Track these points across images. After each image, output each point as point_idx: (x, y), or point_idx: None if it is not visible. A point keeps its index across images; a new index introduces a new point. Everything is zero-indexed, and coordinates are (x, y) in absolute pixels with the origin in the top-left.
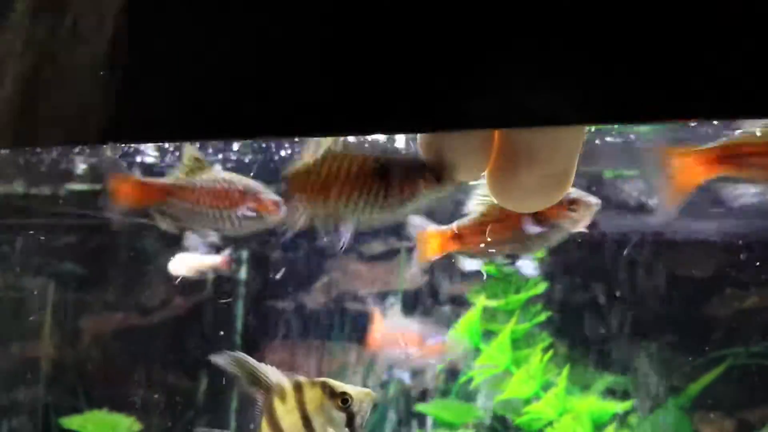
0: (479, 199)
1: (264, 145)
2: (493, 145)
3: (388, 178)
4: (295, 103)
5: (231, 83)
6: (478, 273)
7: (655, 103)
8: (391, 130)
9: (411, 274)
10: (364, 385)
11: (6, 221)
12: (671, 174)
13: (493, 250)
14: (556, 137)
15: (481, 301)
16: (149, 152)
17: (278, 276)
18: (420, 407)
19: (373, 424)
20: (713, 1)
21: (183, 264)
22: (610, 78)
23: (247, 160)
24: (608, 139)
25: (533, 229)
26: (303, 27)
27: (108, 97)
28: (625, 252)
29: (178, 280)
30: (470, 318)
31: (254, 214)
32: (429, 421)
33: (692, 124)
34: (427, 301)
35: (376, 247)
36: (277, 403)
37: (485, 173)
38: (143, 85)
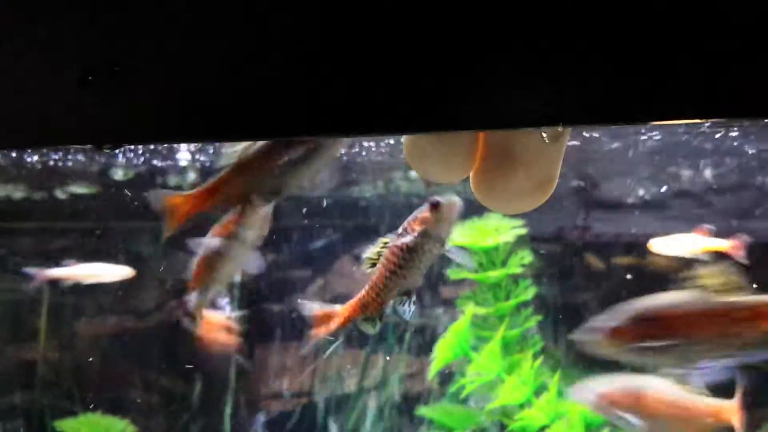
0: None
1: None
2: (478, 147)
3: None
4: (288, 106)
5: (226, 86)
6: (467, 279)
7: (636, 106)
8: (379, 131)
9: None
10: (360, 388)
11: (2, 224)
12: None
13: None
14: (540, 140)
15: (470, 310)
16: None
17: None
18: (422, 411)
19: (370, 425)
20: (695, 12)
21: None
22: (593, 82)
23: None
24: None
25: None
26: (299, 35)
27: (111, 99)
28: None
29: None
30: (459, 326)
31: None
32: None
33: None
34: (419, 306)
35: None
36: None
37: (470, 175)
38: (147, 87)
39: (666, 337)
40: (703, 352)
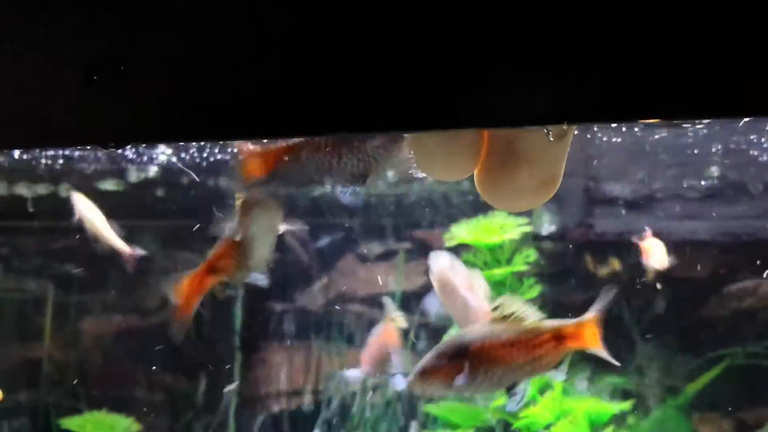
0: None
1: None
2: (482, 144)
3: None
4: (288, 104)
5: (228, 86)
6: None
7: (640, 103)
8: (382, 129)
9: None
10: (364, 387)
11: (6, 223)
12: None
13: None
14: (545, 138)
15: None
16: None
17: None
18: (428, 408)
19: (374, 421)
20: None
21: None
22: (597, 78)
23: None
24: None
25: None
26: (297, 30)
27: (115, 98)
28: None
29: None
30: None
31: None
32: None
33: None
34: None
35: (375, 248)
36: None
37: (474, 173)
38: (147, 86)
39: (473, 370)
40: (514, 377)
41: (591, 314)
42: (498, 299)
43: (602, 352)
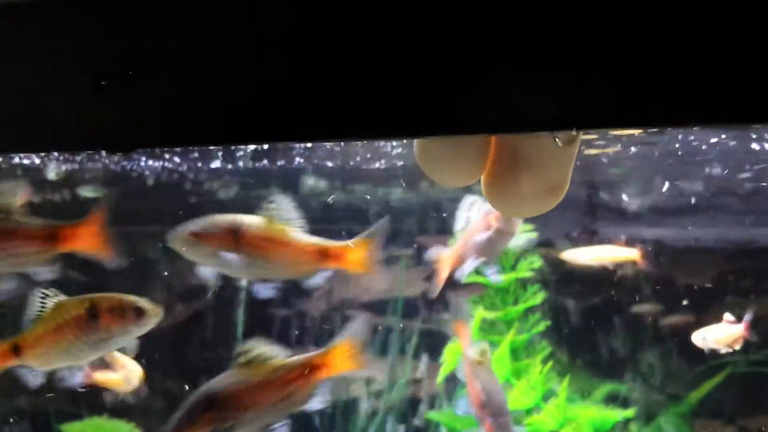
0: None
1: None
2: (489, 150)
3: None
4: (291, 109)
5: (235, 89)
6: (477, 284)
7: (651, 109)
8: (388, 135)
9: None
10: (367, 392)
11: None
12: None
13: None
14: (552, 143)
15: (479, 314)
16: None
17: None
18: (430, 415)
19: (376, 429)
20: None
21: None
22: (607, 84)
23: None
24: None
25: None
26: (299, 34)
27: (124, 103)
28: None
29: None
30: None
31: None
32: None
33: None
34: (427, 309)
35: (378, 254)
36: None
37: (481, 179)
38: (149, 91)
39: (225, 419)
40: (270, 418)
41: (338, 340)
42: (245, 345)
43: (362, 371)
